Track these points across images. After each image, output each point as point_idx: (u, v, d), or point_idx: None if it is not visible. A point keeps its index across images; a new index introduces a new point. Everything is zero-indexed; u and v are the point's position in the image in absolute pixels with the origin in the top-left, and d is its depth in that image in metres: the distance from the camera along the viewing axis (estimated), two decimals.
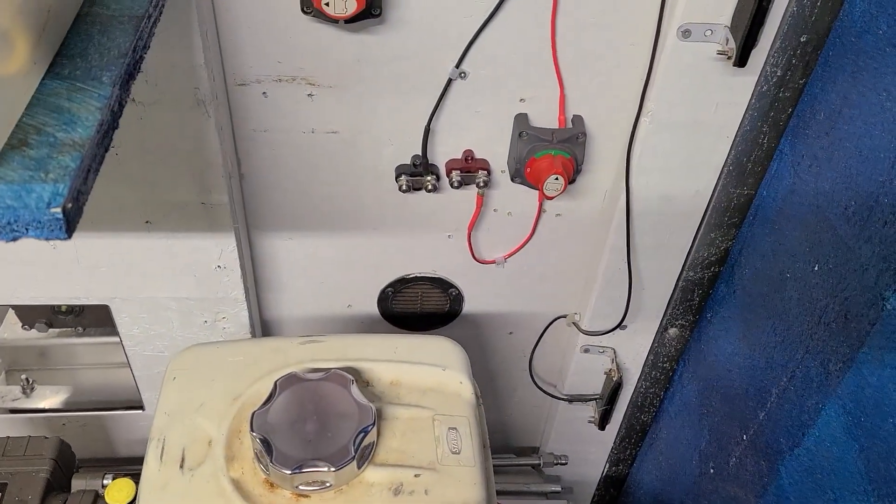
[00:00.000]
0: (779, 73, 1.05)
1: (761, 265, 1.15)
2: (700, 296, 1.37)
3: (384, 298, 1.45)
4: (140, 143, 1.06)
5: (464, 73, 1.12)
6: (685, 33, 1.00)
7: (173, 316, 1.31)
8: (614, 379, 1.46)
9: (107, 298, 1.27)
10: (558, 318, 1.51)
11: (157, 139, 1.06)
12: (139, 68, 0.70)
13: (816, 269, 1.00)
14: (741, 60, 0.96)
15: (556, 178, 1.14)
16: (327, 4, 0.92)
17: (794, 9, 0.99)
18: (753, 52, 1.00)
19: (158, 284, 1.25)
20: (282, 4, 1.02)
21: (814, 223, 1.01)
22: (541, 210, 1.31)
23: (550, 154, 1.15)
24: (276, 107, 1.14)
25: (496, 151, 1.23)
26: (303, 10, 0.99)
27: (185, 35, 0.95)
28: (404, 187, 1.23)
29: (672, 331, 1.45)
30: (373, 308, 1.47)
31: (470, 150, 1.23)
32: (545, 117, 1.18)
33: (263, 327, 1.48)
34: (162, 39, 0.94)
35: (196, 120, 1.04)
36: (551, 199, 1.22)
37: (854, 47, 0.93)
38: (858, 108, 0.92)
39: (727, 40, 0.99)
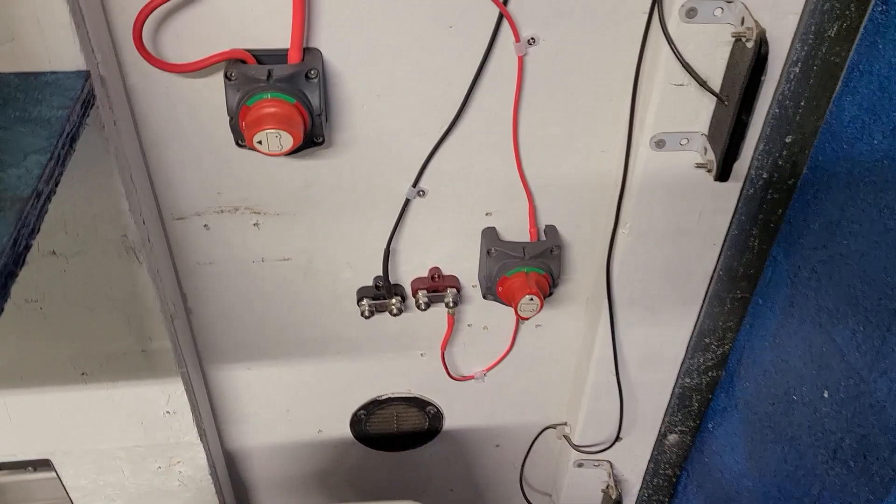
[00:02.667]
0: (765, 176, 0.96)
1: (763, 381, 1.04)
2: (699, 401, 1.26)
3: (357, 421, 1.34)
4: (66, 296, 0.95)
5: (422, 191, 1.02)
6: (658, 143, 0.91)
7: (123, 465, 1.19)
8: (613, 497, 1.34)
9: (47, 453, 1.15)
10: (547, 427, 1.39)
11: (85, 290, 0.95)
12: (23, 261, 0.60)
13: (826, 396, 0.89)
14: (722, 175, 0.86)
15: (531, 299, 1.03)
16: (260, 143, 0.83)
17: (777, 110, 0.90)
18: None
19: (102, 435, 1.13)
20: (217, 137, 0.93)
21: (819, 344, 0.90)
22: (519, 323, 1.20)
23: (523, 272, 1.05)
24: (220, 238, 1.04)
25: (465, 266, 1.13)
26: (237, 143, 0.90)
27: (104, 183, 0.85)
28: (367, 313, 1.12)
29: (672, 437, 1.33)
30: (345, 432, 1.36)
31: (436, 268, 1.13)
32: (515, 229, 1.08)
33: (228, 460, 1.36)
34: (79, 190, 0.85)
35: (127, 267, 0.93)
36: (527, 319, 1.11)
37: (846, 155, 0.83)
38: (859, 223, 0.82)
39: (705, 149, 0.90)
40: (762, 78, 0.77)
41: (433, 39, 0.88)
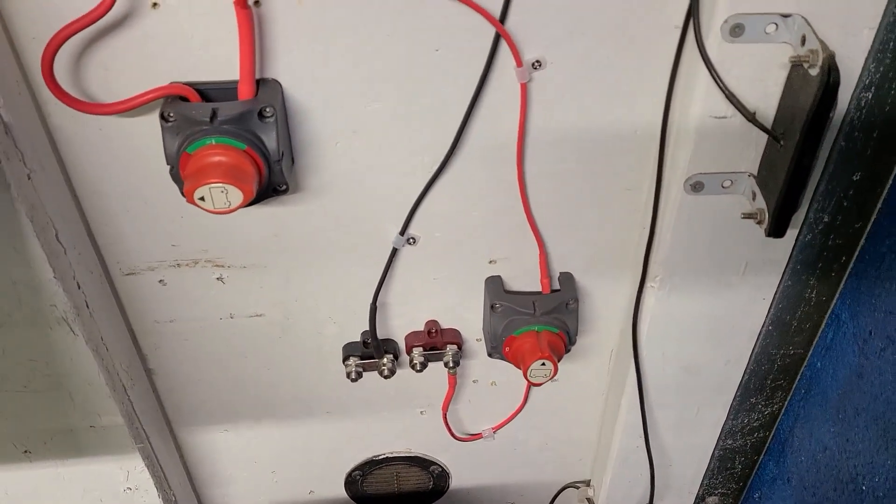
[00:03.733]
0: (826, 220, 0.79)
1: (823, 459, 0.87)
2: (743, 463, 1.10)
3: (353, 482, 1.19)
4: None
5: (412, 238, 0.87)
6: (695, 186, 0.74)
7: None
8: None
9: None
10: (568, 486, 1.23)
11: (16, 365, 0.81)
12: None
13: None
14: (777, 230, 0.69)
15: (543, 364, 0.87)
16: (202, 199, 0.68)
17: (843, 143, 0.72)
18: None
19: None
20: (166, 183, 0.78)
21: None
22: None
23: (534, 331, 0.89)
24: (179, 294, 0.90)
25: (468, 318, 0.97)
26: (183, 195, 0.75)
27: (19, 248, 0.71)
28: (353, 375, 0.97)
29: (711, 499, 1.17)
30: (340, 492, 1.21)
31: (434, 321, 0.97)
32: (525, 278, 0.92)
33: None
34: None
35: (61, 339, 0.79)
36: (539, 385, 0.95)
37: None
38: None
39: (754, 195, 0.73)
40: (831, 114, 0.60)
41: (417, 65, 0.72)
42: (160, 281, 0.88)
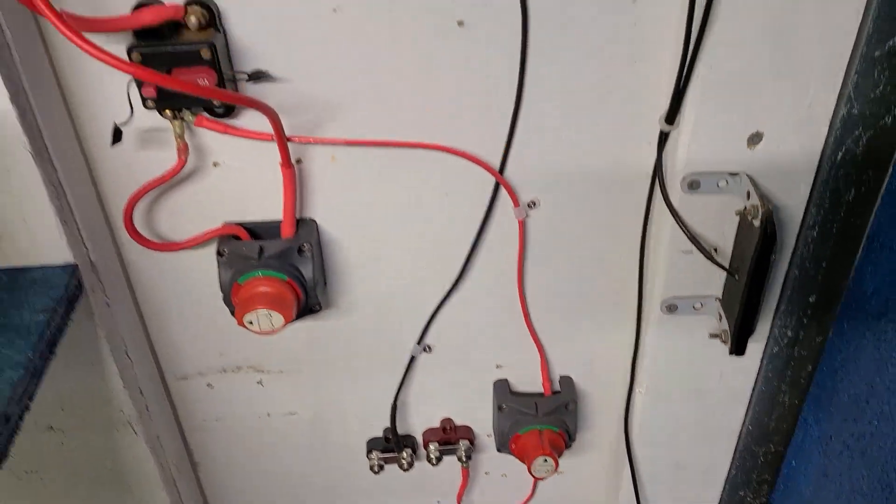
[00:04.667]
0: (790, 335, 0.90)
1: None
2: None
3: None
4: (64, 467, 0.94)
5: (428, 346, 0.99)
6: (670, 308, 0.86)
7: None
8: None
9: None
10: None
11: (84, 462, 0.94)
12: None
13: None
14: (738, 349, 0.81)
15: (545, 461, 0.98)
16: (251, 323, 0.81)
17: (797, 272, 0.84)
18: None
19: None
20: (217, 303, 0.91)
21: None
22: None
23: (536, 430, 1.00)
24: (224, 396, 1.02)
25: (479, 417, 1.08)
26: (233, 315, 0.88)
27: (97, 365, 0.84)
28: (376, 468, 1.08)
29: None
30: None
31: (449, 419, 1.08)
32: (529, 380, 1.03)
33: None
34: (73, 370, 0.84)
35: (124, 439, 0.92)
36: (542, 479, 1.05)
37: (872, 328, 0.77)
38: (889, 404, 0.75)
39: (720, 316, 0.84)
40: (772, 257, 0.72)
41: (430, 206, 0.86)
42: (208, 385, 1.01)
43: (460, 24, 0.73)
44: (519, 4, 0.72)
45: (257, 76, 0.75)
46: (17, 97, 0.67)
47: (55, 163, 0.73)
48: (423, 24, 0.73)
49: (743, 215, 0.75)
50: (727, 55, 0.69)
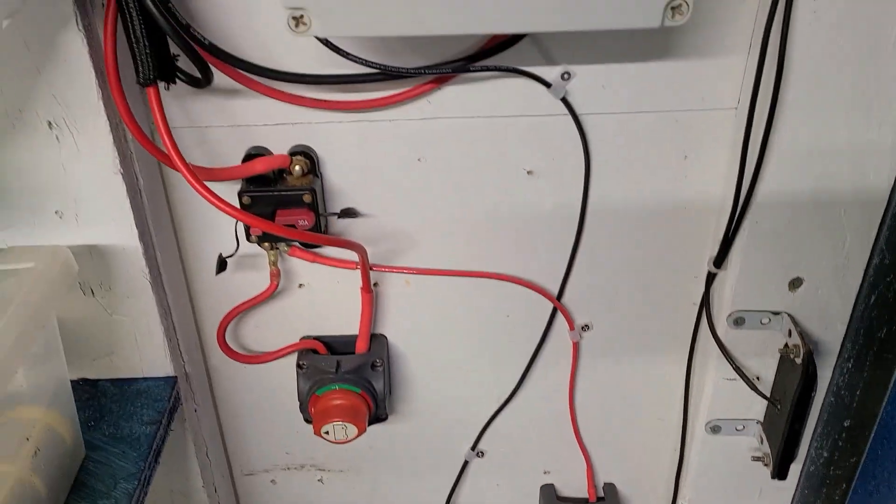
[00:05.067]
0: (825, 455, 0.95)
1: None
2: None
3: None
4: None
5: (481, 452, 1.05)
6: (714, 429, 0.92)
7: None
8: None
9: None
10: None
11: None
12: None
13: None
14: (780, 474, 0.87)
15: None
16: (327, 433, 0.88)
17: (833, 399, 0.91)
18: None
19: None
20: (289, 407, 0.99)
21: None
22: None
23: None
24: (286, 492, 1.09)
25: None
26: (306, 420, 0.95)
27: (182, 465, 0.91)
28: None
29: None
30: None
31: None
32: (574, 486, 1.09)
33: None
34: (160, 472, 0.91)
35: None
36: None
37: None
38: None
39: (761, 439, 0.91)
40: (813, 393, 0.79)
41: (492, 326, 0.93)
42: (272, 481, 1.07)
43: (529, 172, 0.82)
44: (583, 159, 0.81)
45: (346, 214, 0.84)
46: (144, 235, 0.76)
47: (166, 288, 0.81)
48: (496, 173, 0.82)
49: (785, 352, 0.82)
50: (772, 212, 0.77)
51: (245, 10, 0.70)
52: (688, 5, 0.58)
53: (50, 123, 0.68)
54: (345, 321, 0.93)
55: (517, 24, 0.59)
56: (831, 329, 0.85)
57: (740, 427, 0.92)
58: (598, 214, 0.84)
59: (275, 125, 0.78)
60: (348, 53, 0.70)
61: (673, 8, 0.58)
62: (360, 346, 0.92)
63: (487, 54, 0.73)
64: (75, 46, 0.64)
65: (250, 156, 0.79)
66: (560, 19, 0.58)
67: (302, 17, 0.58)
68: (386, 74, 0.72)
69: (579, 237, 0.86)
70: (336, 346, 0.94)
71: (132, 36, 0.64)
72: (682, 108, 0.77)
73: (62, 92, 0.66)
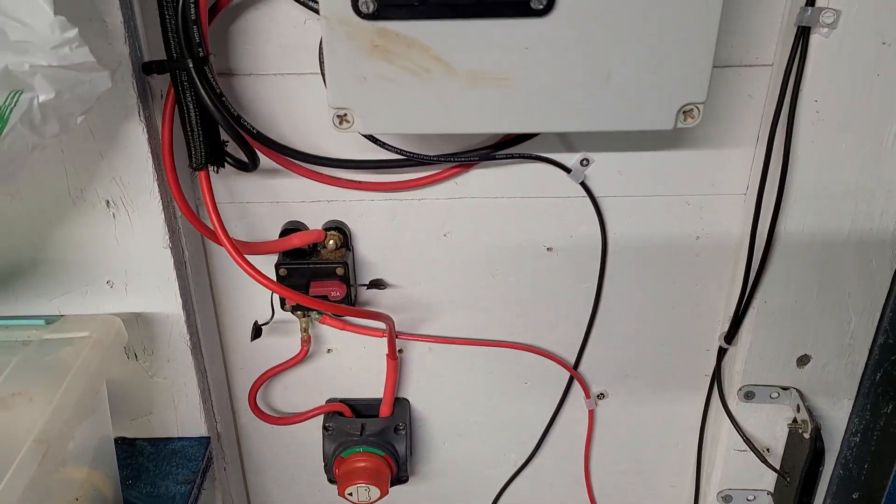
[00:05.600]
0: None
1: None
2: None
3: None
4: None
5: None
6: (725, 498, 0.95)
7: None
8: None
9: None
10: None
11: None
12: None
13: None
14: None
15: None
16: (350, 494, 0.91)
17: (841, 471, 0.93)
18: None
19: None
20: (312, 464, 1.02)
21: None
22: None
23: None
24: None
25: None
26: (329, 480, 0.99)
27: None
28: None
29: None
30: None
31: None
32: None
33: None
34: None
35: None
36: None
37: None
38: None
39: None
40: (821, 468, 0.82)
41: (510, 392, 0.97)
42: None
43: (549, 249, 0.87)
44: (600, 238, 0.85)
45: (375, 285, 0.88)
46: (186, 304, 0.81)
47: (203, 353, 0.86)
48: (517, 249, 0.87)
49: (794, 427, 0.86)
50: (780, 292, 0.81)
51: (287, 101, 0.77)
52: (698, 110, 0.63)
53: (108, 202, 0.74)
54: (370, 385, 0.97)
55: (540, 124, 0.64)
56: (839, 404, 0.88)
57: (751, 497, 0.95)
58: (614, 289, 0.88)
59: (311, 202, 0.84)
60: (384, 143, 0.76)
61: (685, 112, 0.63)
62: (384, 410, 0.96)
63: (512, 143, 0.78)
64: (136, 135, 0.70)
65: (287, 230, 0.85)
66: (580, 121, 0.63)
67: (346, 115, 0.64)
68: (418, 161, 0.77)
69: (595, 310, 0.90)
70: (361, 408, 0.98)
71: (187, 125, 0.71)
72: (693, 193, 0.82)
73: (121, 174, 0.72)
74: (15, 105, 0.54)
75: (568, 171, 0.81)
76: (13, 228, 0.73)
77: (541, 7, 0.58)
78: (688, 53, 0.60)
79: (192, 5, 0.65)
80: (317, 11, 0.66)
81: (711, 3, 0.59)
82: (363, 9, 0.58)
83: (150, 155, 0.72)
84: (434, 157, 0.77)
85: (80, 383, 0.64)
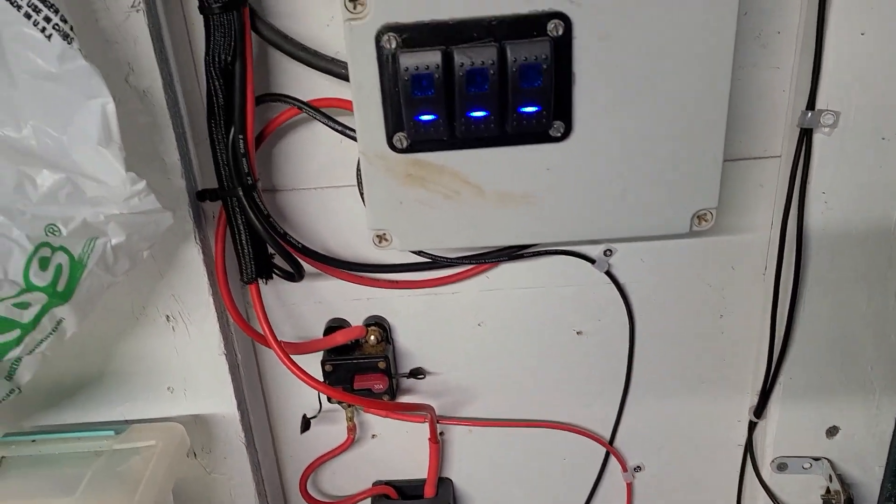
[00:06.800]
0: None
1: None
2: None
3: None
4: None
5: None
6: None
7: None
8: None
9: None
10: None
11: None
12: None
13: None
14: None
15: None
16: None
17: None
18: None
19: None
20: None
21: None
22: None
23: None
24: None
25: None
26: None
27: None
28: None
29: None
30: None
31: None
32: None
33: None
34: None
35: None
36: None
37: None
38: None
39: None
40: None
41: (549, 469, 1.01)
42: None
43: (579, 333, 0.91)
44: (627, 320, 0.90)
45: (415, 374, 0.93)
46: (241, 404, 0.86)
47: (257, 448, 0.91)
48: (548, 334, 0.91)
49: (827, 497, 0.88)
50: (803, 368, 0.85)
51: (327, 211, 0.83)
52: (712, 214, 0.68)
53: (168, 317, 0.80)
54: (414, 466, 1.01)
55: (563, 235, 0.69)
56: (869, 472, 0.90)
57: None
58: (644, 366, 0.92)
59: (352, 300, 0.89)
60: (421, 251, 0.81)
61: (699, 216, 0.68)
62: (429, 491, 1.00)
63: None
64: (192, 255, 0.77)
65: (331, 327, 0.90)
66: (601, 231, 0.68)
67: (384, 235, 0.69)
68: (452, 263, 0.83)
69: (627, 387, 0.94)
70: (406, 490, 1.02)
71: (238, 244, 0.77)
72: (714, 275, 0.87)
73: (179, 291, 0.79)
74: (91, 251, 0.61)
75: (592, 261, 0.86)
76: (83, 346, 0.80)
77: (559, 134, 0.63)
78: (698, 165, 0.65)
79: (242, 140, 0.72)
80: (354, 138, 0.72)
81: (717, 119, 0.64)
82: (398, 145, 0.64)
83: (205, 272, 0.78)
84: (466, 258, 0.83)
85: (151, 492, 0.69)
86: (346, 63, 0.72)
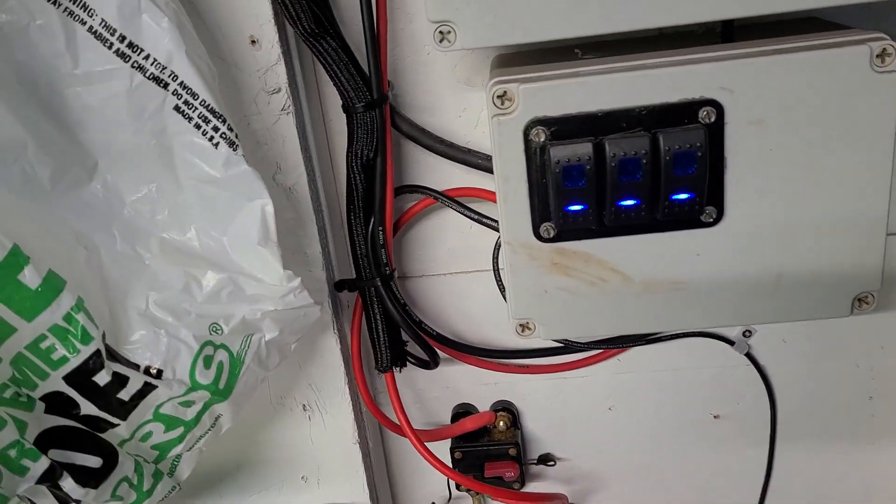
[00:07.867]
0: None
1: None
2: None
3: None
4: None
5: None
6: None
7: None
8: None
9: None
10: None
11: None
12: None
13: None
14: None
15: None
16: None
17: None
18: None
19: None
20: None
21: None
22: None
23: None
24: None
25: None
26: None
27: None
28: None
29: None
30: None
31: None
32: None
33: None
34: None
35: None
36: None
37: None
38: None
39: None
40: None
41: None
42: None
43: (716, 417, 0.87)
44: (768, 403, 0.86)
45: (544, 460, 0.91)
46: (372, 493, 0.86)
47: None
48: (683, 418, 0.88)
49: None
50: None
51: (455, 297, 0.83)
52: (873, 296, 0.65)
53: (304, 406, 0.81)
54: None
55: (714, 321, 0.67)
56: None
57: None
58: (787, 453, 0.88)
59: (480, 385, 0.88)
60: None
61: (860, 299, 0.65)
62: None
63: None
64: (330, 345, 0.78)
65: (458, 414, 0.89)
66: (753, 317, 0.66)
67: (528, 324, 0.68)
68: (585, 347, 0.81)
69: (769, 475, 0.89)
70: None
71: (374, 333, 0.77)
72: (863, 354, 0.82)
73: (316, 381, 0.79)
74: (248, 347, 0.62)
75: (731, 343, 0.83)
76: (226, 437, 0.81)
77: (711, 220, 0.62)
78: (859, 248, 0.62)
79: (381, 232, 0.73)
80: (495, 229, 0.72)
81: (878, 200, 0.61)
82: (544, 234, 0.63)
83: (342, 362, 0.79)
84: (599, 342, 0.81)
85: None
86: (482, 154, 0.74)
